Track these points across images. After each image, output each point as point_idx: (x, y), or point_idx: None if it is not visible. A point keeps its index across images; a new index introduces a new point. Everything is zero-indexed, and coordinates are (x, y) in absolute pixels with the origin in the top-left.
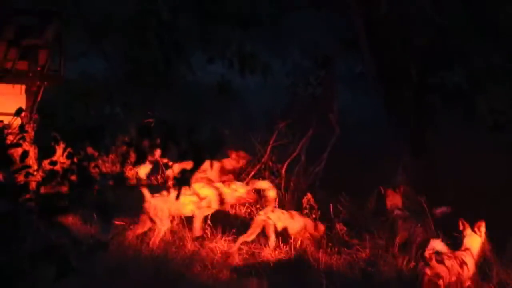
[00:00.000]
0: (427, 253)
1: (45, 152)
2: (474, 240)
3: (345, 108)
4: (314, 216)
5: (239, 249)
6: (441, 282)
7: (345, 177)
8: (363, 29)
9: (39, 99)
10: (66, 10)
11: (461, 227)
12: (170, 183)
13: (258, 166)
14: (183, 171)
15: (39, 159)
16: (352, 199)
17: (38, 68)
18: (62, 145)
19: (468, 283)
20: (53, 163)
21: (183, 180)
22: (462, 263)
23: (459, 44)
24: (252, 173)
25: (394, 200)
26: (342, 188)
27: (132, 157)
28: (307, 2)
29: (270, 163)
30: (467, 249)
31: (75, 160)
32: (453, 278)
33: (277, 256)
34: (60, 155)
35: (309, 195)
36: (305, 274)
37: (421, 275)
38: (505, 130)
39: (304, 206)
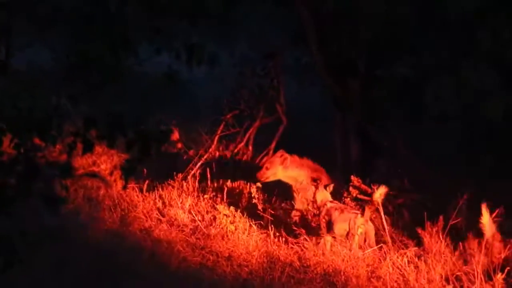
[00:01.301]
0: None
1: None
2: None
3: (292, 99)
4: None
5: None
6: None
7: None
8: (310, 21)
9: None
10: (12, 0)
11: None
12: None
13: (205, 156)
14: (130, 160)
15: None
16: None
17: None
18: (8, 136)
19: None
20: (0, 153)
21: (130, 169)
22: None
23: (406, 35)
24: (200, 164)
25: (324, 194)
26: None
27: (79, 147)
28: None
29: (217, 154)
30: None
31: (22, 150)
32: None
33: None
34: (7, 146)
35: (258, 185)
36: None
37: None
38: (450, 119)
39: (252, 195)
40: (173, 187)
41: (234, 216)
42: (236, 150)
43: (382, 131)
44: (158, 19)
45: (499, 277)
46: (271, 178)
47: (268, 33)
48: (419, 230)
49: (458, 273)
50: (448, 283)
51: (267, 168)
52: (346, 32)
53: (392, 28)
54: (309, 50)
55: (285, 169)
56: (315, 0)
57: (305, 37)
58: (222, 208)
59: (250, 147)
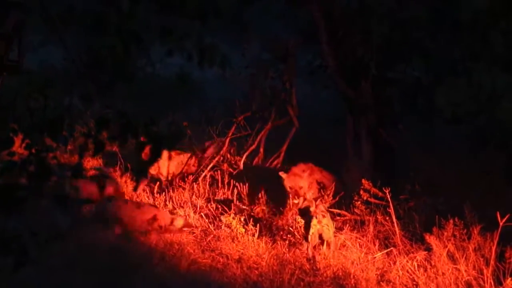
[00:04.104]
0: None
1: (4, 143)
2: None
3: (304, 101)
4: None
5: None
6: None
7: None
8: (321, 22)
9: None
10: (25, 0)
11: None
12: None
13: (217, 158)
14: (141, 162)
15: None
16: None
17: None
18: (20, 136)
19: None
20: (12, 154)
21: (141, 171)
22: None
23: (418, 37)
24: (211, 165)
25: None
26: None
27: (91, 148)
28: None
29: (229, 156)
30: None
31: (34, 151)
32: None
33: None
34: (19, 146)
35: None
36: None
37: None
38: (462, 122)
39: (260, 197)
40: (184, 189)
41: (244, 219)
42: (247, 153)
43: (394, 133)
44: (170, 20)
45: (509, 282)
46: None
47: (280, 34)
48: (427, 235)
49: (468, 278)
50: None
51: None
52: (358, 33)
53: (404, 30)
54: (321, 52)
55: None
56: (327, 1)
57: (317, 38)
58: (232, 211)
59: (261, 149)
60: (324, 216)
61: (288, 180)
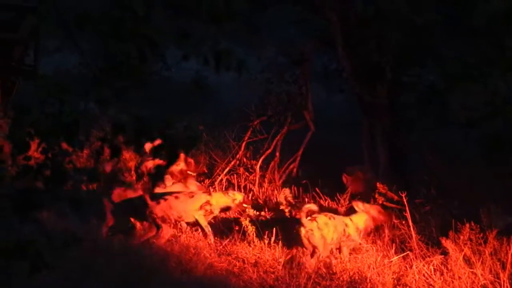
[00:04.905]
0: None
1: (20, 147)
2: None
3: (320, 105)
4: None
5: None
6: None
7: (320, 174)
8: (338, 26)
9: (13, 94)
10: (41, 5)
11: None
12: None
13: (233, 163)
14: (158, 167)
15: (14, 154)
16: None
17: (13, 63)
18: (36, 141)
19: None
20: (28, 158)
21: (157, 175)
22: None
23: (433, 42)
24: (227, 169)
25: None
26: (316, 185)
27: (107, 152)
28: None
29: (245, 160)
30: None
31: (50, 155)
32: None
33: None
34: (35, 151)
35: (286, 190)
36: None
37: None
38: (477, 126)
39: (279, 201)
40: None
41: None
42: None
43: (409, 138)
44: (186, 24)
45: None
46: None
47: (296, 38)
48: (443, 239)
49: (484, 282)
50: None
51: None
52: (373, 37)
53: (419, 35)
54: (336, 56)
55: None
56: (344, 6)
57: (333, 42)
58: (249, 214)
59: (277, 153)
60: (314, 220)
61: (353, 185)
